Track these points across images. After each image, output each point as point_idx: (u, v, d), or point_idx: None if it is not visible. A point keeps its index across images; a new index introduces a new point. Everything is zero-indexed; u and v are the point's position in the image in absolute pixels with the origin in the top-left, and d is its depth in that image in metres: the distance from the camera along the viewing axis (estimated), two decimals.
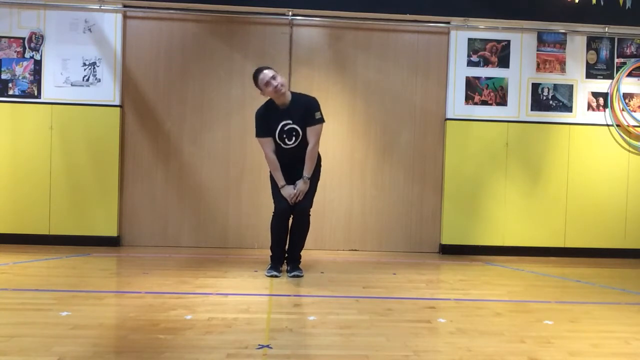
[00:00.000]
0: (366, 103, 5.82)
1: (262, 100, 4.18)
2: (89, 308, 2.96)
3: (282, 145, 4.09)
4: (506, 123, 5.78)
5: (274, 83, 3.95)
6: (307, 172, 4.09)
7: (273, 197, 4.18)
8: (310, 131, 4.08)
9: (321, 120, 4.12)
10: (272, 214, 4.18)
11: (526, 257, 5.66)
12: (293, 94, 4.15)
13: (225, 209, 5.73)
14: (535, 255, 5.70)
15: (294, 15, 5.64)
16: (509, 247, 5.76)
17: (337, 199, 5.79)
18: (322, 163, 4.31)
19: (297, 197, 4.06)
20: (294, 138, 4.07)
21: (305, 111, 4.06)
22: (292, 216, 4.16)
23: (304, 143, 4.09)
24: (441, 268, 4.88)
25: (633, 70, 5.86)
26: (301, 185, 4.07)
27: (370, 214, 5.82)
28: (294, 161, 4.10)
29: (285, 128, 4.05)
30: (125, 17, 5.61)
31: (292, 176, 4.11)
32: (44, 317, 2.74)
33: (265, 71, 4.00)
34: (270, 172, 4.19)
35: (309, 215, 4.18)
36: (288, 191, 4.07)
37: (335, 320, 2.81)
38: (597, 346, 2.48)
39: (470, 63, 5.77)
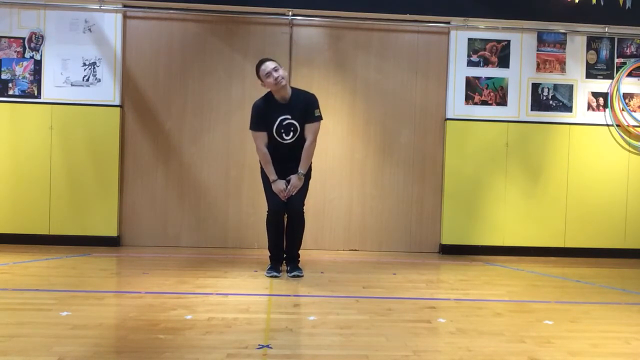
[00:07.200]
0: (366, 103, 5.82)
1: (262, 95, 4.18)
2: (89, 308, 2.96)
3: (279, 140, 4.07)
4: (506, 123, 5.78)
5: (275, 75, 3.94)
6: (302, 168, 4.08)
7: (266, 196, 4.16)
8: (309, 128, 4.07)
9: (320, 118, 4.12)
10: (267, 213, 4.18)
11: (526, 257, 5.66)
12: (293, 89, 4.14)
13: (225, 209, 5.73)
14: (535, 255, 5.70)
15: (294, 15, 5.64)
16: (509, 247, 5.76)
17: (337, 198, 5.79)
18: (315, 163, 4.30)
19: (289, 193, 4.05)
20: (291, 133, 4.06)
21: (305, 107, 4.05)
22: (286, 215, 4.16)
23: (300, 139, 4.08)
24: (441, 268, 4.88)
25: (633, 70, 5.86)
26: (295, 180, 4.06)
27: (370, 214, 5.81)
28: (288, 157, 4.08)
29: (284, 123, 4.03)
30: (125, 17, 5.61)
31: (285, 173, 4.09)
32: (44, 317, 2.74)
33: (267, 62, 4.00)
34: (262, 169, 4.17)
35: (303, 213, 4.16)
36: (279, 186, 4.05)
37: (335, 320, 2.81)
38: (597, 346, 2.48)
39: (470, 63, 5.77)
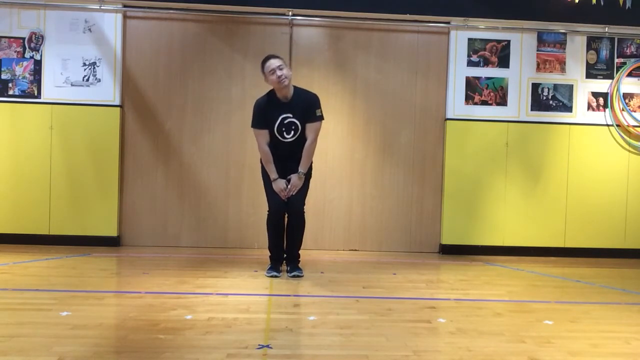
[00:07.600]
0: (366, 103, 5.82)
1: (263, 93, 4.18)
2: (89, 308, 2.96)
3: (280, 138, 4.07)
4: (506, 123, 5.78)
5: (279, 73, 3.94)
6: (302, 167, 4.07)
7: (267, 195, 4.16)
8: (310, 127, 4.07)
9: (321, 118, 4.12)
10: (267, 213, 4.18)
11: (526, 257, 5.66)
12: (296, 88, 4.14)
13: (225, 209, 5.73)
14: (535, 255, 5.70)
15: (294, 15, 5.64)
16: (509, 247, 5.76)
17: (337, 198, 5.79)
18: (315, 163, 4.29)
19: (290, 192, 4.05)
20: (292, 132, 4.06)
21: (307, 107, 4.05)
22: (286, 215, 4.16)
23: (301, 138, 4.08)
24: (441, 268, 4.87)
25: (633, 70, 5.86)
26: (295, 179, 4.06)
27: (370, 214, 5.81)
28: (289, 156, 4.08)
29: (285, 121, 4.03)
30: (125, 17, 5.61)
31: (285, 172, 4.09)
32: (44, 317, 2.74)
33: (273, 60, 4.00)
34: (262, 169, 4.17)
35: (304, 213, 4.16)
36: (280, 185, 4.05)
37: (335, 320, 2.81)
38: (597, 346, 2.48)
39: (470, 63, 5.77)
